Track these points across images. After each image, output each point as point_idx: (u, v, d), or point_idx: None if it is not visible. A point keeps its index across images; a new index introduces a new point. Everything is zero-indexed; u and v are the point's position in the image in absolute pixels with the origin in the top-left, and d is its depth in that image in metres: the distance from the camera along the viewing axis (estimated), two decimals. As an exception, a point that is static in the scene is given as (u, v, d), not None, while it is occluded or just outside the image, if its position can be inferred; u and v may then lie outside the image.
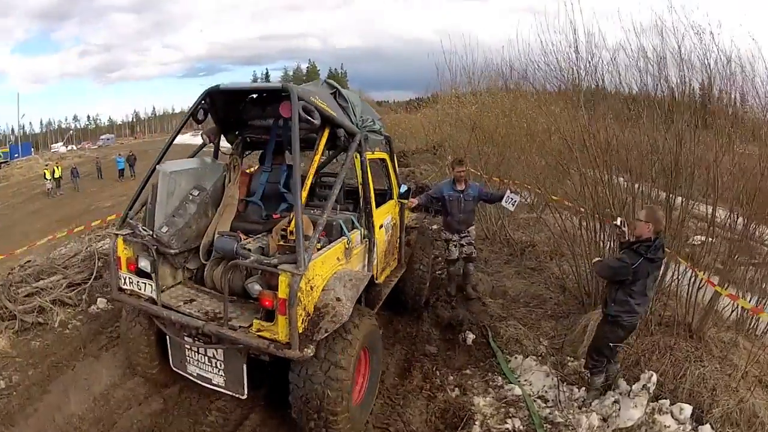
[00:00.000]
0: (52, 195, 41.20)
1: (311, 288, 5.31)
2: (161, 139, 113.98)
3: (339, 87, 7.15)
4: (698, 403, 6.85)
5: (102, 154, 68.34)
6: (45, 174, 42.78)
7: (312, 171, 6.13)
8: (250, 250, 5.87)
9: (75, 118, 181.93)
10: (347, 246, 6.29)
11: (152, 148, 72.93)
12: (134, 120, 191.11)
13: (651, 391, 6.96)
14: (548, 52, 10.24)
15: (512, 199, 9.65)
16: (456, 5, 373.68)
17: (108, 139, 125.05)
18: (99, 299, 9.23)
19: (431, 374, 7.89)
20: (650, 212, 6.53)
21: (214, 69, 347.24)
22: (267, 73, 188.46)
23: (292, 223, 5.37)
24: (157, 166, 6.40)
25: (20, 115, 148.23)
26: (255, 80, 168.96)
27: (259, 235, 6.43)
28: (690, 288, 8.30)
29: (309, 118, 5.83)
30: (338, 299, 5.45)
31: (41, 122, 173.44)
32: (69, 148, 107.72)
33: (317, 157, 6.30)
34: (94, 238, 13.26)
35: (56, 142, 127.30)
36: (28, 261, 10.93)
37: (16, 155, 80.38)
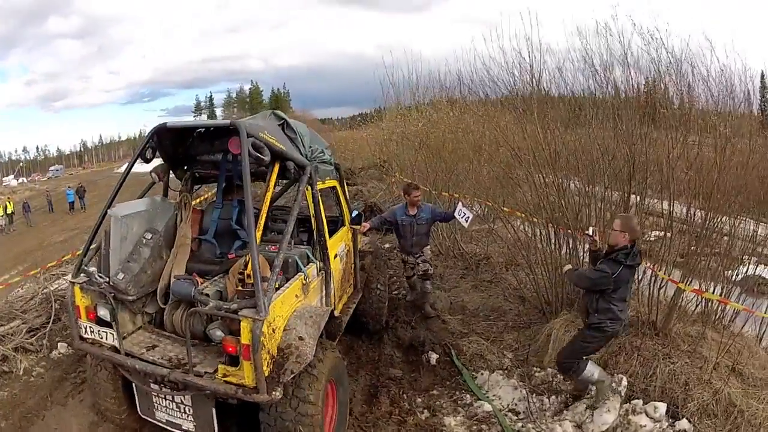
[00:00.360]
0: (5, 231, 40.60)
1: (273, 330, 5.26)
2: (109, 168, 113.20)
3: (287, 118, 7.09)
4: (672, 399, 6.99)
5: (52, 186, 67.83)
6: (-2, 210, 42.06)
7: (265, 208, 6.10)
8: (208, 294, 5.78)
9: (24, 150, 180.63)
10: (304, 282, 6.25)
11: (101, 177, 72.50)
12: (82, 149, 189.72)
13: (623, 393, 7.09)
14: (492, 63, 10.33)
15: (464, 213, 9.63)
16: (396, 19, 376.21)
17: (57, 170, 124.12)
18: (60, 344, 9.05)
19: (398, 398, 7.84)
20: (625, 221, 6.56)
21: (157, 94, 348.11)
22: (211, 96, 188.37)
23: (249, 266, 5.34)
24: (108, 211, 6.23)
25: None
26: (198, 104, 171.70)
27: (216, 278, 6.36)
28: (651, 287, 8.40)
29: (258, 155, 5.76)
30: (300, 338, 5.41)
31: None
32: (20, 181, 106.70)
33: (269, 194, 6.24)
34: (49, 278, 13.07)
35: (7, 175, 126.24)
36: (-15, 306, 10.78)
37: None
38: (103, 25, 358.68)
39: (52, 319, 9.60)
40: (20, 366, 8.41)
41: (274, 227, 7.69)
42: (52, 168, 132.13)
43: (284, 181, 8.29)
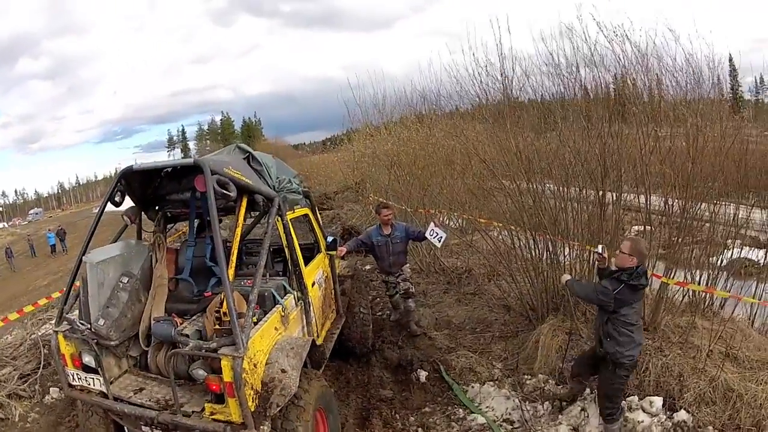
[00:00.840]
0: (-10, 277, 40.49)
1: (255, 365, 5.25)
2: (88, 208, 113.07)
3: (251, 151, 7.10)
4: (667, 392, 7.03)
5: (33, 230, 67.84)
6: (-20, 257, 41.95)
7: (236, 243, 6.04)
8: (187, 335, 5.76)
9: (3, 194, 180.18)
10: (283, 314, 6.24)
11: (80, 218, 72.29)
12: (59, 191, 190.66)
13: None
14: (459, 73, 10.37)
15: (437, 233, 9.61)
16: (361, 38, 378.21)
17: (37, 214, 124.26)
18: (51, 389, 9.03)
19: (391, 419, 7.81)
20: (634, 245, 6.35)
21: (130, 131, 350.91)
22: (183, 130, 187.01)
23: (225, 303, 5.32)
24: (83, 258, 6.20)
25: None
26: (171, 138, 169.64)
27: (194, 317, 6.35)
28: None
29: (224, 191, 5.75)
30: (283, 371, 5.40)
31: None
32: (1, 226, 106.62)
33: (239, 229, 6.20)
34: (36, 323, 13.01)
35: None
36: (-24, 355, 10.74)
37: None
38: (72, 65, 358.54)
39: (42, 364, 9.57)
40: (15, 413, 8.41)
41: (250, 261, 7.68)
42: (31, 211, 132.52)
43: (256, 214, 8.23)
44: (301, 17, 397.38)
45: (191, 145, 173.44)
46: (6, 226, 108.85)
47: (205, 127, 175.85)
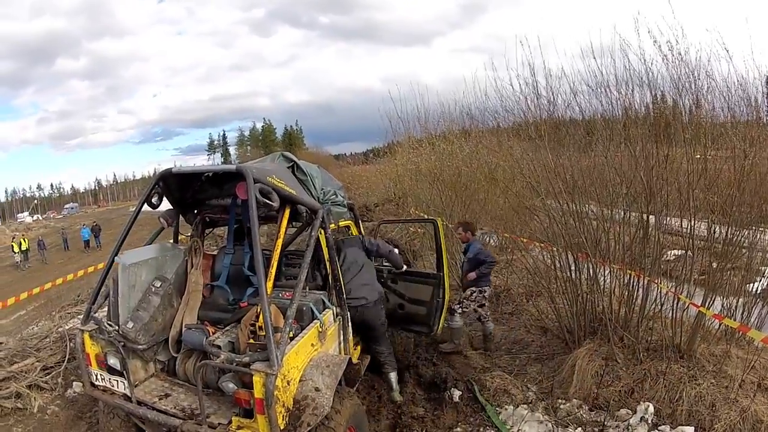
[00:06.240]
0: (21, 268, 41.09)
1: (288, 382, 5.11)
2: (125, 206, 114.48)
3: (296, 160, 6.96)
4: (699, 422, 6.86)
5: (67, 224, 68.66)
6: (13, 247, 42.43)
7: (276, 254, 5.91)
8: (219, 346, 5.64)
9: (39, 187, 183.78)
10: (320, 329, 6.06)
11: (116, 216, 73.14)
12: (96, 188, 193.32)
13: (650, 421, 6.94)
14: (503, 90, 10.19)
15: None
16: (400, 52, 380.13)
17: (72, 208, 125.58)
18: (74, 383, 8.93)
19: (422, 438, 7.61)
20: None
21: (170, 133, 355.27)
22: (224, 134, 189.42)
23: (261, 317, 5.18)
24: (115, 258, 6.13)
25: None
26: (212, 142, 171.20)
27: (228, 327, 6.20)
28: (674, 309, 8.19)
29: (267, 201, 5.64)
30: (317, 389, 5.27)
31: (6, 191, 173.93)
32: (35, 217, 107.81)
33: (279, 241, 6.05)
34: (64, 316, 13.01)
35: (22, 211, 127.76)
36: (0, 343, 10.71)
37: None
38: (113, 65, 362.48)
39: (66, 358, 9.51)
40: (34, 404, 8.35)
41: (289, 272, 7.49)
42: (67, 206, 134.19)
43: (298, 224, 8.07)
44: (339, 30, 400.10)
45: (231, 150, 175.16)
46: (40, 218, 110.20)
47: (246, 133, 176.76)
